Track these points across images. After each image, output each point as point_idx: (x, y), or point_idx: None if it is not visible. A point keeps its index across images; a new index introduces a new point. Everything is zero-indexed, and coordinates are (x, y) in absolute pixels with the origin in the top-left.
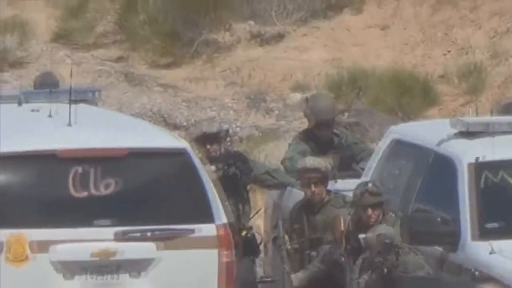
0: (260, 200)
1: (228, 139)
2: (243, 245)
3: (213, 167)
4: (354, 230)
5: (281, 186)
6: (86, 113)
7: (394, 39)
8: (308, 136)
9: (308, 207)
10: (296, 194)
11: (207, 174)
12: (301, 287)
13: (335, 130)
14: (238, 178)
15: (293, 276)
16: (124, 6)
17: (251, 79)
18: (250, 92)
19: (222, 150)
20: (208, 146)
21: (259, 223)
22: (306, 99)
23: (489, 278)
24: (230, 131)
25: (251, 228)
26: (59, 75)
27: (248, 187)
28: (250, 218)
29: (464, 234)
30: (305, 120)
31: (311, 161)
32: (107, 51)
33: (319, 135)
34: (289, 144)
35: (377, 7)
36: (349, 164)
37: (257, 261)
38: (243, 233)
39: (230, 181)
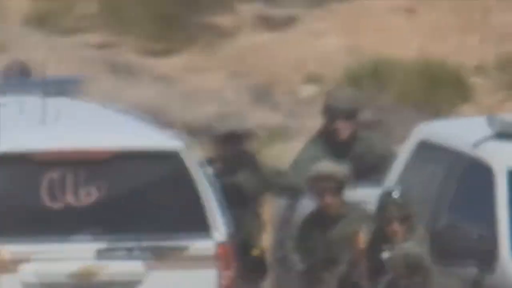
0: (267, 214)
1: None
2: (253, 265)
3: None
4: (377, 248)
5: (296, 190)
6: (65, 107)
7: (423, 24)
8: (323, 137)
9: (322, 220)
10: (308, 206)
11: (208, 180)
12: None
13: (360, 134)
14: (247, 186)
15: None
16: None
17: (256, 69)
18: (255, 84)
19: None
20: (237, 146)
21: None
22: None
23: None
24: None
25: (262, 246)
26: (33, 64)
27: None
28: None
29: (502, 253)
30: (320, 118)
31: (326, 167)
32: (90, 36)
33: (336, 135)
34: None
35: None
36: (371, 174)
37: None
38: (255, 252)
39: (239, 190)
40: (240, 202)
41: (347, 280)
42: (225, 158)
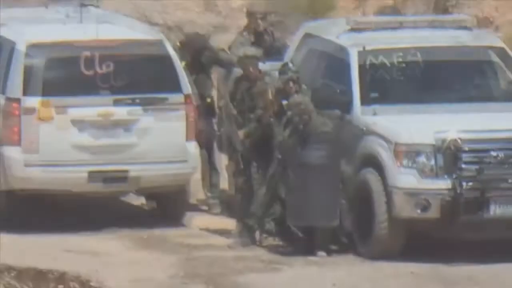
0: (215, 77)
1: None
2: (206, 108)
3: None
4: (280, 98)
5: (230, 63)
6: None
7: None
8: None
9: (246, 82)
10: (236, 73)
11: (178, 60)
12: (245, 140)
13: (269, 29)
14: (206, 62)
15: (239, 132)
16: None
17: None
18: None
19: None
20: (202, 42)
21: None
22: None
23: (372, 132)
24: None
25: (212, 96)
26: None
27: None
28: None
29: (355, 101)
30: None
31: (250, 50)
32: None
33: (255, 29)
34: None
35: None
36: (275, 53)
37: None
38: (208, 100)
39: (199, 64)
40: (200, 71)
41: (263, 119)
42: (193, 48)
